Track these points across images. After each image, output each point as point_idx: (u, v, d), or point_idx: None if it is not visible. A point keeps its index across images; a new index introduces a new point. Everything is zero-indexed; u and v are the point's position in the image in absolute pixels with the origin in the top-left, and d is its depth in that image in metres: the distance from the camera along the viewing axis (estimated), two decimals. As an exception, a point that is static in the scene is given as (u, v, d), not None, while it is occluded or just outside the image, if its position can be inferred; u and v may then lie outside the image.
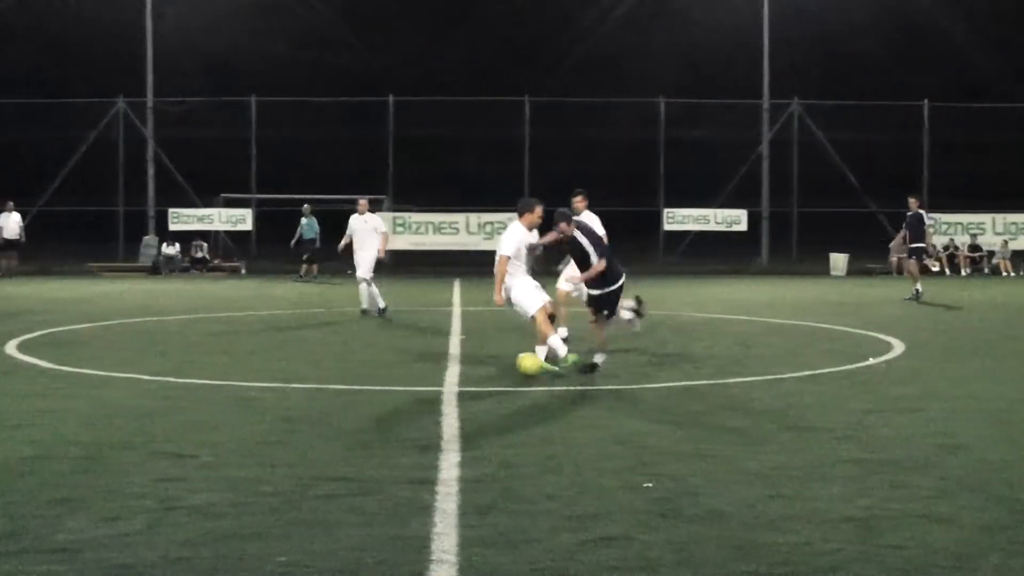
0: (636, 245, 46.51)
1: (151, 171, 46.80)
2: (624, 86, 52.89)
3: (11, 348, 17.18)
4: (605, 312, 14.75)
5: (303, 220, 39.75)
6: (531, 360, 14.05)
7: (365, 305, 23.37)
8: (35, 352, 16.66)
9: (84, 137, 46.27)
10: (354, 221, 23.92)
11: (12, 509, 7.85)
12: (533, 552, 6.88)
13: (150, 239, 44.47)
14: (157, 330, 21.09)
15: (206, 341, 19.27)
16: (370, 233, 23.59)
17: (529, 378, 13.73)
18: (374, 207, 43.64)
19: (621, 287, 14.89)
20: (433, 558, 6.72)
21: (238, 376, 14.23)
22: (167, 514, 7.74)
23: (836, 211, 46.51)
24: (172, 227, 44.52)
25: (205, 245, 43.77)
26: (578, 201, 18.02)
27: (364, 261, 23.35)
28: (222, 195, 46.11)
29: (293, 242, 39.70)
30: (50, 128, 44.99)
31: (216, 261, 43.28)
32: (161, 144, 46.79)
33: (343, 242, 24.48)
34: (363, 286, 23.41)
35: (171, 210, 44.86)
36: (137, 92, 46.93)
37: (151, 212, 46.40)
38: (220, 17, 53.71)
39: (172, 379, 14.02)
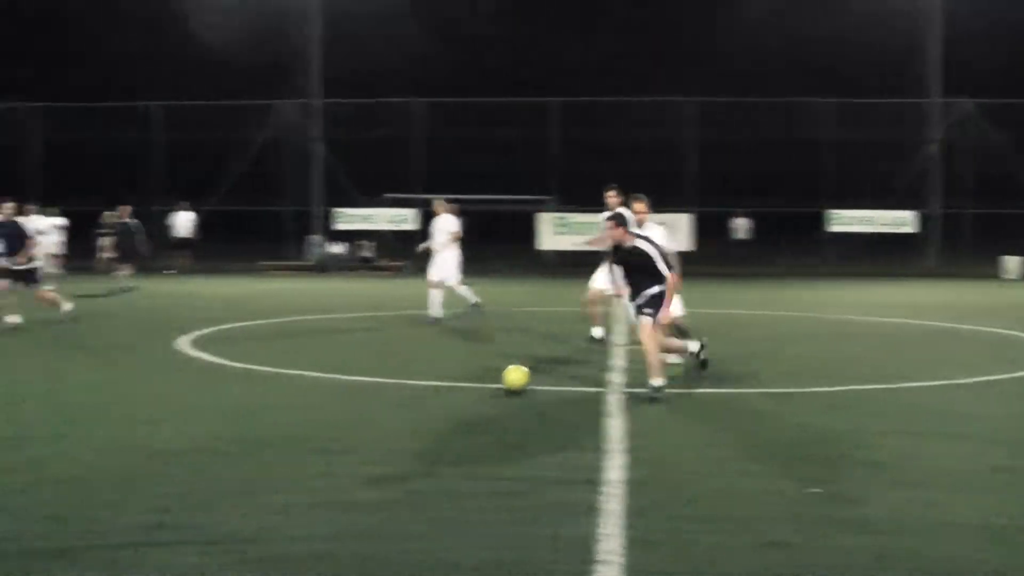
0: (799, 247, 45.94)
1: (318, 171, 47.47)
2: (788, 85, 52.15)
3: (183, 344, 17.55)
4: (648, 310, 13.04)
5: None
6: (516, 374, 12.92)
7: (439, 313, 21.65)
8: (206, 348, 17.01)
9: (254, 138, 47.10)
10: (435, 224, 22.72)
11: (173, 500, 8.05)
12: (697, 555, 6.82)
13: (316, 238, 45.04)
14: (323, 328, 21.35)
15: (370, 339, 19.49)
16: (444, 235, 22.29)
17: (515, 393, 12.67)
18: (540, 207, 43.93)
19: (662, 292, 13.06)
20: (598, 559, 6.69)
21: (401, 374, 14.32)
22: (330, 509, 7.83)
23: (1010, 213, 45.22)
24: (337, 226, 45.06)
25: (371, 244, 44.19)
26: (611, 196, 17.07)
27: (447, 265, 22.03)
28: (386, 195, 46.54)
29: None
30: (221, 129, 45.89)
31: (381, 260, 43.68)
32: (327, 145, 47.42)
33: (427, 246, 23.03)
34: (435, 292, 21.85)
35: (336, 210, 45.41)
36: (305, 94, 47.62)
37: (317, 212, 47.05)
38: (386, 19, 54.28)
39: (335, 376, 14.19)
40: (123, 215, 31.62)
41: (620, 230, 13.12)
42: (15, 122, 48.04)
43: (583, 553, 6.79)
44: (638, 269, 13.03)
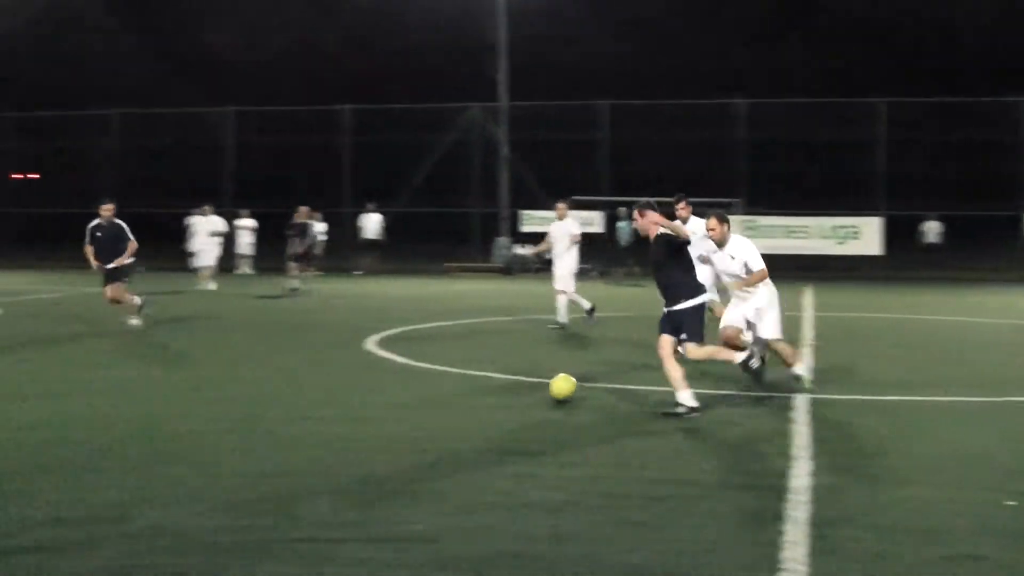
0: (994, 251, 44.68)
1: (504, 174, 47.71)
2: (982, 83, 50.77)
3: (371, 344, 17.82)
4: (682, 335, 11.99)
5: (619, 223, 40.03)
6: (562, 383, 12.36)
7: (563, 319, 20.96)
8: (393, 348, 17.24)
9: (441, 140, 47.57)
10: (553, 228, 22.09)
11: (367, 498, 8.21)
12: (888, 567, 6.69)
13: (503, 240, 45.25)
14: (508, 329, 21.48)
15: (557, 340, 19.51)
16: (565, 240, 21.53)
17: (561, 402, 12.19)
18: (726, 210, 43.37)
19: (700, 307, 12.12)
20: (782, 567, 6.61)
21: (584, 377, 14.29)
22: (516, 510, 7.89)
23: None
24: (524, 228, 45.22)
25: (556, 246, 44.17)
26: (681, 208, 16.46)
27: (562, 272, 21.31)
28: (572, 197, 46.50)
29: (618, 244, 40.17)
30: (409, 132, 46.52)
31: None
32: (514, 147, 47.61)
33: (538, 249, 22.95)
34: (562, 298, 21.18)
35: (522, 212, 45.62)
36: (492, 96, 47.90)
37: (504, 214, 47.25)
38: (571, 21, 54.41)
39: (522, 378, 14.24)
40: (302, 216, 32.17)
41: (644, 219, 12.17)
42: (209, 125, 49.38)
43: (767, 561, 6.72)
44: (660, 266, 12.19)
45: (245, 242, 40.71)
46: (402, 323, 21.34)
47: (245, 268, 40.45)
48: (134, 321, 20.19)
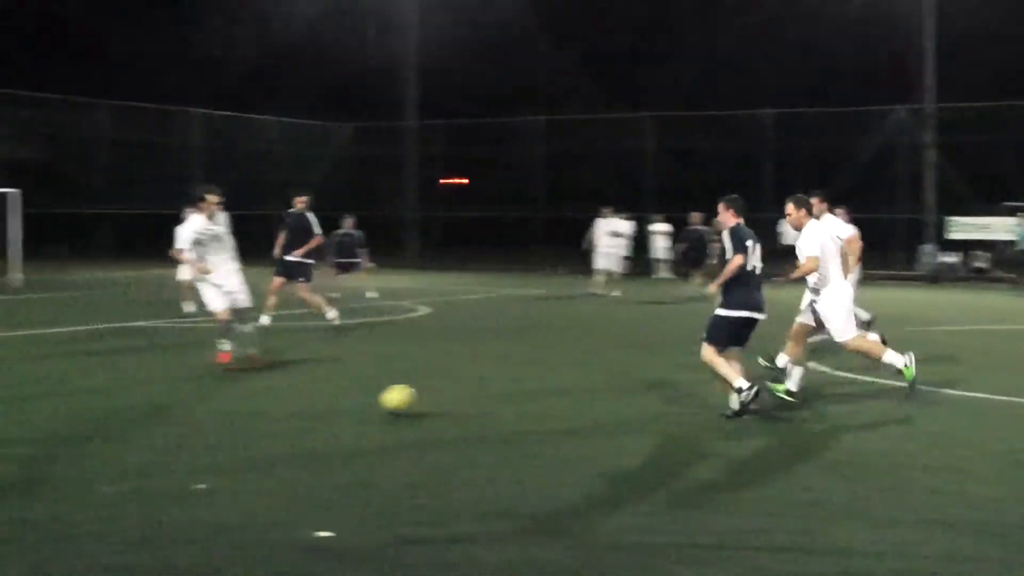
0: None
1: (930, 178, 46.27)
2: None
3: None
4: (705, 337, 12.16)
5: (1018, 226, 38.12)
6: (396, 394, 11.46)
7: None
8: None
9: (865, 145, 46.59)
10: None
11: (749, 505, 8.23)
12: None
13: (929, 247, 43.80)
14: (936, 339, 20.62)
15: (995, 351, 18.64)
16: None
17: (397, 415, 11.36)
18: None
19: (744, 320, 12.22)
20: None
21: (997, 390, 13.65)
22: (935, 528, 7.68)
23: None
24: (950, 235, 43.61)
25: (985, 255, 42.34)
26: (816, 203, 15.48)
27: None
28: (1004, 203, 44.53)
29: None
30: (833, 136, 45.78)
31: (996, 271, 41.71)
32: (942, 150, 46.08)
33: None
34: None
35: (949, 218, 43.97)
36: (918, 98, 46.58)
37: (929, 219, 45.77)
38: (1001, 19, 52.27)
39: (945, 391, 13.73)
40: (695, 222, 32.20)
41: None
42: (633, 130, 50.00)
43: None
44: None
45: (661, 247, 41.12)
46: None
47: (663, 272, 40.77)
48: (331, 314, 19.93)
